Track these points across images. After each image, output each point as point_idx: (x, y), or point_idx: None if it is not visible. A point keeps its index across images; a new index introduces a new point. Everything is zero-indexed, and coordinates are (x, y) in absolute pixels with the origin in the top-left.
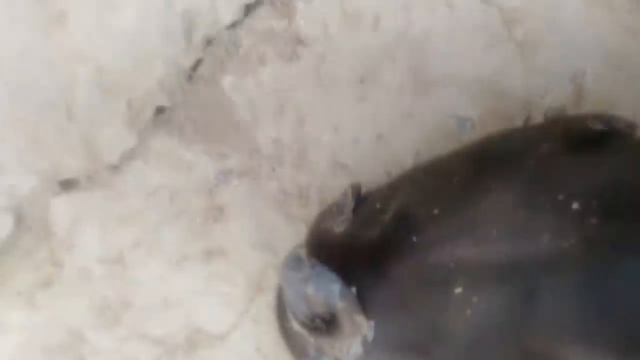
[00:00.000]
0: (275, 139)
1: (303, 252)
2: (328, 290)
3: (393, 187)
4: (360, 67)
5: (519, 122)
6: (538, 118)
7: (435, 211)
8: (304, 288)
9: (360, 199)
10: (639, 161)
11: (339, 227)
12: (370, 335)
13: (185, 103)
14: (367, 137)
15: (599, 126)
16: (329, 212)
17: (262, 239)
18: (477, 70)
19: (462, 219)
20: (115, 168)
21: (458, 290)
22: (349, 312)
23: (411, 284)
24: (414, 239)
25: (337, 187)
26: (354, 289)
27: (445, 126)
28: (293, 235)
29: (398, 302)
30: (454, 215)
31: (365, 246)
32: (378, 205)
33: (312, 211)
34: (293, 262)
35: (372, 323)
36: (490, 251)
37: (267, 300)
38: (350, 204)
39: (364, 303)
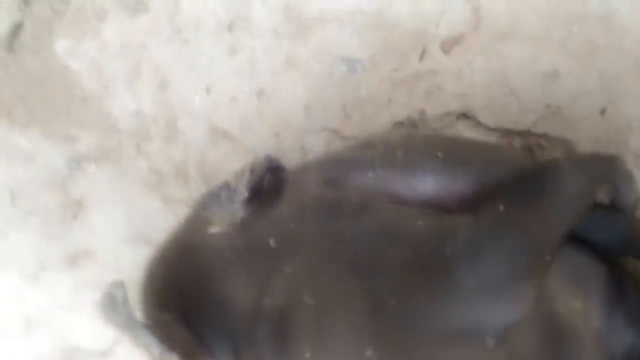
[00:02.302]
0: (134, 110)
1: (119, 293)
2: (148, 348)
3: (300, 216)
4: (224, 11)
5: (414, 58)
6: (435, 51)
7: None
8: (122, 331)
9: (264, 179)
10: None
11: (217, 226)
12: None
13: (9, 79)
14: (246, 95)
15: (605, 199)
16: (214, 197)
17: (135, 231)
18: (358, 1)
19: None
20: None
21: None
22: None
23: None
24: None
25: (220, 158)
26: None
27: (334, 72)
28: (173, 221)
29: None
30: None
31: (237, 309)
32: (272, 243)
33: (194, 190)
34: (106, 303)
35: None
36: None
37: None
38: (243, 185)
39: None
